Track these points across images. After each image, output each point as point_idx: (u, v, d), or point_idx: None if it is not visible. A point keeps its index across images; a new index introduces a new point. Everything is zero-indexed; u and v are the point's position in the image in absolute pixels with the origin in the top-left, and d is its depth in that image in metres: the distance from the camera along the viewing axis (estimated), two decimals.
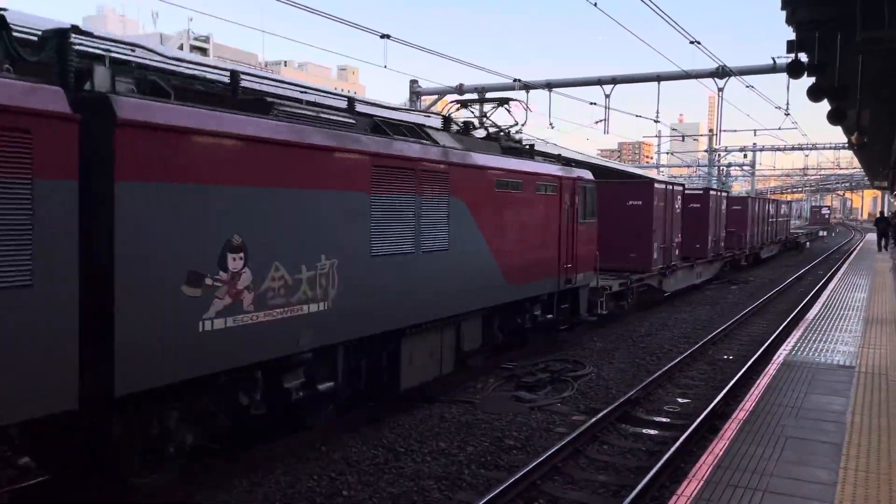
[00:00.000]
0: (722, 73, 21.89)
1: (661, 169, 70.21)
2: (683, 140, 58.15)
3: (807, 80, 10.88)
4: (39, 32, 6.08)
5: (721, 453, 6.26)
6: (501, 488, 7.01)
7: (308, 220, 7.42)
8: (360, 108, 10.04)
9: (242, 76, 8.23)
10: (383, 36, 16.46)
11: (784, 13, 9.65)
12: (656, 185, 20.35)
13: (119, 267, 5.60)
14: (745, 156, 60.10)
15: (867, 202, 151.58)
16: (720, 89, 23.48)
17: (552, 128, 26.65)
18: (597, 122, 26.57)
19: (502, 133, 13.29)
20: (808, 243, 53.32)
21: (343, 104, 10.01)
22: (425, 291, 9.40)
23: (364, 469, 7.90)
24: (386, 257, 8.62)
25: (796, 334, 12.21)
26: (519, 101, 13.83)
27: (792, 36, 10.19)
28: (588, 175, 14.82)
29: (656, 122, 26.04)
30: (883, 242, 39.28)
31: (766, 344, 14.47)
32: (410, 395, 10.06)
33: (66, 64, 5.68)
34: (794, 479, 5.70)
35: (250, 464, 7.80)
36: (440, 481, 7.58)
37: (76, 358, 5.31)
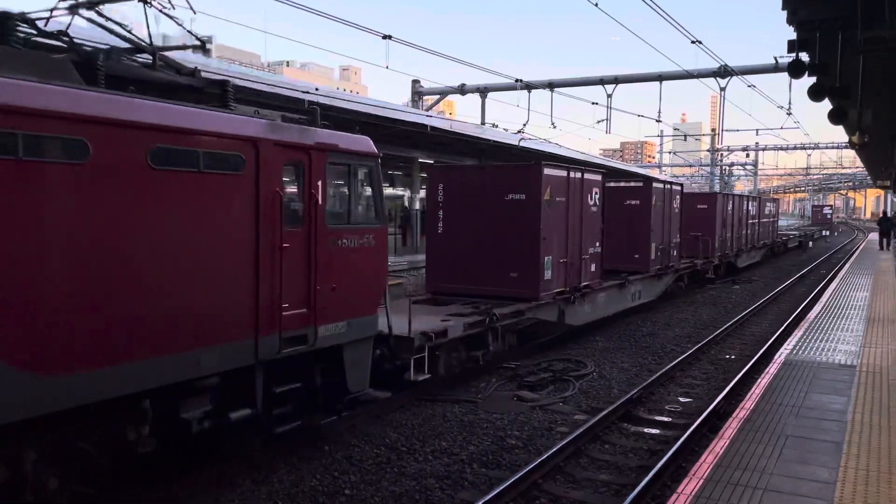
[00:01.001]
0: (724, 72, 21.92)
1: (664, 168, 70.19)
2: (686, 140, 58.11)
3: (808, 80, 10.91)
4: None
5: (721, 452, 6.29)
6: (503, 487, 7.03)
7: None
8: None
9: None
10: (385, 37, 16.49)
11: (785, 13, 9.67)
12: (547, 172, 13.45)
13: None
14: (748, 155, 60.11)
15: (870, 201, 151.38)
16: (722, 89, 23.52)
17: (554, 127, 26.70)
18: (598, 122, 26.60)
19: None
20: (810, 243, 52.98)
21: None
22: None
23: (366, 468, 7.94)
24: None
25: (798, 333, 12.23)
26: None
27: (793, 36, 10.19)
28: (362, 143, 8.49)
29: (658, 121, 26.07)
30: (885, 242, 39.54)
31: (769, 343, 14.49)
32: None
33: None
34: (795, 477, 5.73)
35: (254, 463, 7.83)
36: (442, 480, 7.61)
37: None
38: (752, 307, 20.35)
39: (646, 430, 9.58)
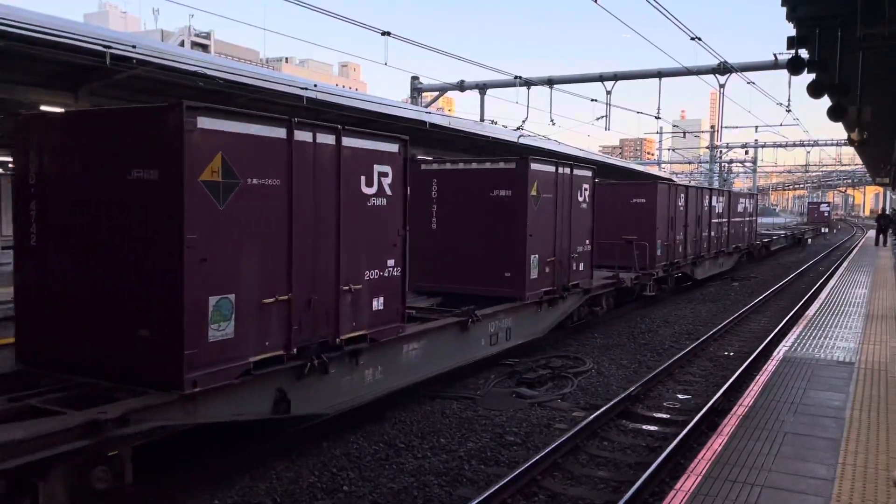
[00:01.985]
0: (723, 69, 21.89)
1: (663, 165, 70.16)
2: (685, 136, 58.06)
3: (807, 77, 10.90)
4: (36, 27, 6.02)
5: (720, 449, 6.29)
6: (501, 484, 7.04)
7: None
8: None
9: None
10: (384, 33, 16.46)
11: (784, 10, 9.65)
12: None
13: None
14: (747, 152, 60.11)
15: (869, 199, 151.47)
16: (721, 86, 23.48)
17: (553, 124, 26.70)
18: (598, 119, 26.58)
19: None
20: (809, 240, 52.74)
21: None
22: None
23: (365, 464, 7.94)
24: None
25: (796, 330, 12.23)
26: None
27: (792, 32, 10.18)
28: None
29: (657, 118, 26.03)
30: (881, 238, 39.91)
31: (767, 340, 14.50)
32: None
33: None
34: (793, 474, 5.73)
35: (252, 459, 7.83)
36: (441, 477, 7.61)
37: None
38: (750, 304, 20.36)
39: (644, 426, 9.59)
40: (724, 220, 27.47)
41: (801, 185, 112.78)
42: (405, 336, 9.39)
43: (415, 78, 28.74)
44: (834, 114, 10.86)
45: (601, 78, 24.03)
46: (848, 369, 9.33)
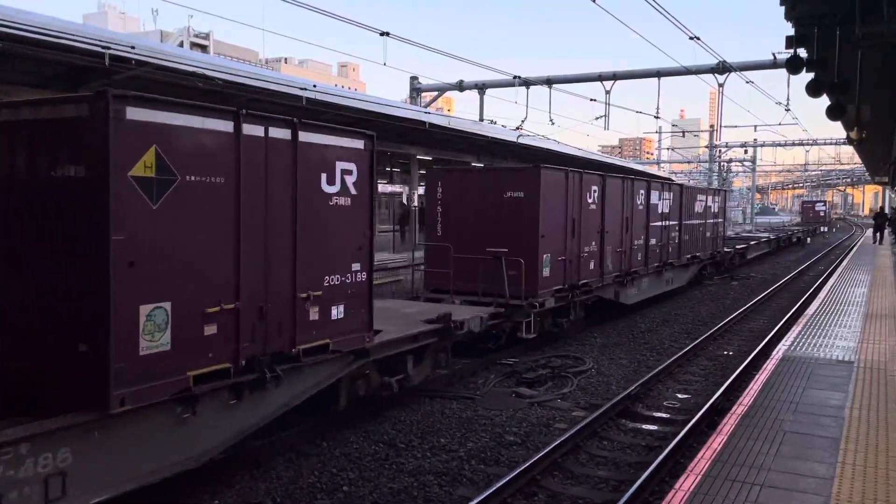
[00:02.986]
0: (722, 68, 21.91)
1: (662, 165, 70.18)
2: (684, 136, 58.11)
3: (807, 76, 10.91)
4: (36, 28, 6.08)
5: (719, 448, 6.30)
6: (501, 483, 7.04)
7: None
8: None
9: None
10: (383, 33, 16.47)
11: (783, 9, 9.67)
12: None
13: None
14: (746, 151, 60.16)
15: (868, 198, 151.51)
16: (721, 85, 23.50)
17: (553, 124, 26.70)
18: (597, 118, 26.59)
19: None
20: (808, 239, 52.19)
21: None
22: None
23: (365, 464, 7.94)
24: None
25: (796, 330, 12.24)
26: None
27: (791, 31, 10.20)
28: None
29: (656, 117, 26.06)
30: (879, 236, 40.17)
31: (767, 339, 14.51)
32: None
33: None
34: (792, 473, 5.73)
35: (252, 459, 7.84)
36: (440, 477, 7.61)
37: None
38: (750, 303, 20.37)
39: (644, 426, 9.60)
40: (672, 222, 20.76)
41: (801, 185, 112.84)
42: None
43: (414, 78, 28.76)
44: (833, 113, 10.88)
45: (600, 78, 24.07)
46: (847, 368, 9.33)
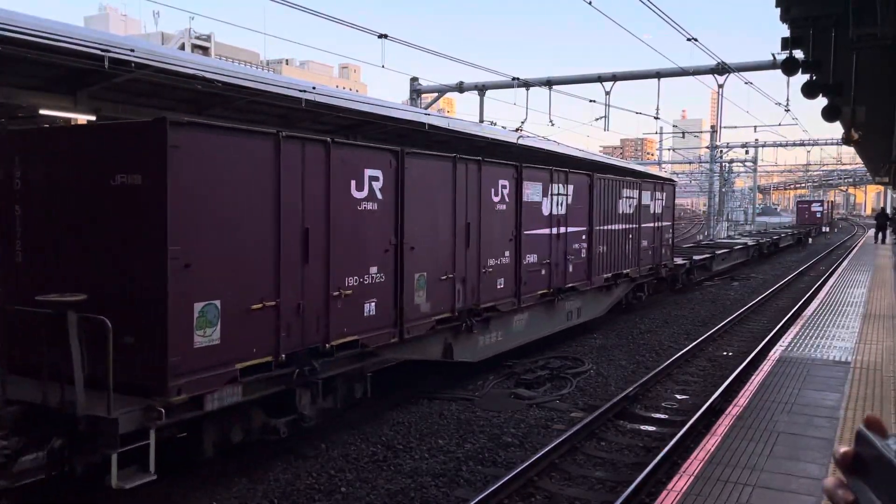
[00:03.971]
0: (721, 69, 21.92)
1: (664, 165, 70.18)
2: (684, 137, 58.03)
3: (804, 77, 10.93)
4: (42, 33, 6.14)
5: (713, 449, 6.33)
6: (498, 485, 7.09)
7: None
8: None
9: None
10: (381, 36, 16.52)
11: (779, 10, 9.70)
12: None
13: None
14: (747, 152, 60.11)
15: (870, 198, 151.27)
16: (720, 86, 23.51)
17: (553, 125, 26.72)
18: (597, 119, 26.62)
19: None
20: (809, 239, 51.99)
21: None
22: None
23: (363, 466, 7.98)
24: None
25: (794, 330, 12.27)
26: None
27: (787, 33, 10.23)
28: None
29: (656, 118, 26.06)
30: (880, 236, 40.28)
31: (766, 340, 14.53)
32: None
33: None
34: (785, 473, 5.77)
35: (250, 461, 7.88)
36: (438, 478, 7.65)
37: None
38: (750, 304, 20.38)
39: (642, 427, 9.64)
40: (580, 228, 14.61)
41: (803, 185, 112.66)
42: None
43: (414, 79, 28.81)
44: (828, 114, 10.90)
45: (600, 79, 24.08)
46: (843, 369, 9.36)
